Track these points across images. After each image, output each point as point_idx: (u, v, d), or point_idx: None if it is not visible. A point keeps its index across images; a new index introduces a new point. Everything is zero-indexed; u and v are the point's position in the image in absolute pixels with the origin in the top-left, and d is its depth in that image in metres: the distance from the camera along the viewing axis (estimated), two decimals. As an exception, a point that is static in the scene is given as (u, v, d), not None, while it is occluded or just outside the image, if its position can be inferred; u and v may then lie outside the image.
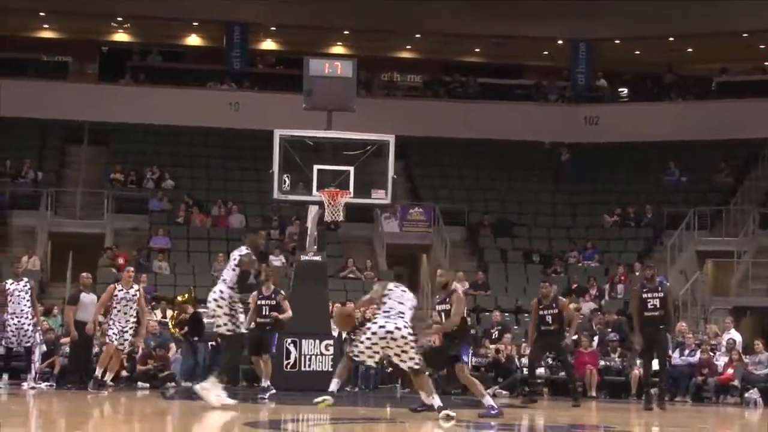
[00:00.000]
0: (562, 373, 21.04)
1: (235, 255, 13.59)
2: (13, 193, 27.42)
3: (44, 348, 18.57)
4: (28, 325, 17.26)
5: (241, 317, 13.53)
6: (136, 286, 17.25)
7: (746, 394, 19.43)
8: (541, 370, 19.39)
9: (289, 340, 17.97)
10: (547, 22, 32.15)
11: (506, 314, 23.77)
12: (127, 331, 16.90)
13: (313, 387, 17.02)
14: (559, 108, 32.97)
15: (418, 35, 34.44)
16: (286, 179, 18.12)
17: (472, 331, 20.56)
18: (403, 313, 12.96)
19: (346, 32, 34.07)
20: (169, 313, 19.89)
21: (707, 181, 29.98)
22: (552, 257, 27.31)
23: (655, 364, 16.68)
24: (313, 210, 18.84)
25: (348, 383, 18.70)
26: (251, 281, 13.79)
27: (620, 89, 34.67)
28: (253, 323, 16.20)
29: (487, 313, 23.73)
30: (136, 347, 18.97)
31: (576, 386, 17.69)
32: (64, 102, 30.06)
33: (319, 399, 12.62)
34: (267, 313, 16.29)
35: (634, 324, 16.52)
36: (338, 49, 34.74)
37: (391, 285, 13.29)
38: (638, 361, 19.86)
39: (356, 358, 12.96)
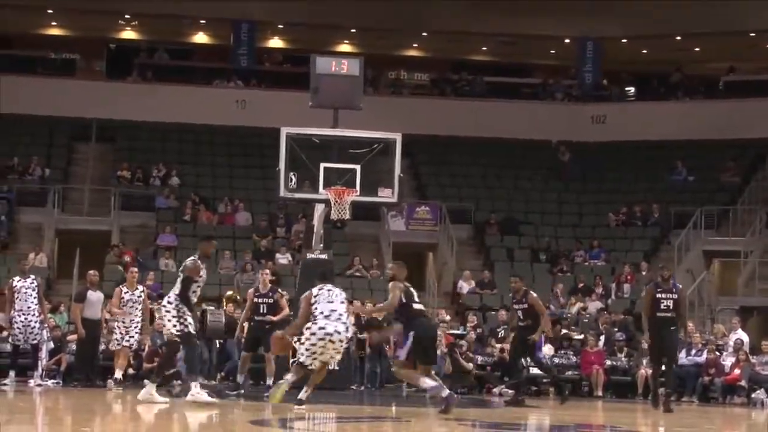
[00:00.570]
0: (569, 372, 21.09)
1: (186, 261, 13.87)
2: (21, 190, 27.45)
3: (51, 345, 18.61)
4: (35, 322, 17.29)
5: (189, 318, 13.60)
6: (140, 287, 17.36)
7: (753, 395, 19.43)
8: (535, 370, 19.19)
9: (295, 339, 17.93)
10: (554, 21, 32.11)
11: (512, 313, 23.70)
12: (132, 329, 16.97)
13: (319, 385, 17.08)
14: (565, 107, 32.92)
15: (425, 33, 34.42)
16: (293, 177, 18.11)
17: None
18: (341, 315, 13.19)
19: (353, 30, 34.06)
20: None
21: (714, 181, 29.92)
22: (558, 256, 27.28)
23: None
24: (319, 208, 18.83)
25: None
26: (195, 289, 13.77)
27: (627, 88, 34.62)
28: (247, 322, 16.29)
29: (493, 312, 23.71)
30: (143, 345, 19.00)
31: (555, 379, 17.66)
32: (72, 99, 30.08)
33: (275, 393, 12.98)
34: (264, 311, 16.28)
35: (642, 322, 16.43)
36: (345, 47, 34.73)
37: (315, 290, 13.42)
38: (645, 361, 19.86)
39: (303, 364, 13.18)
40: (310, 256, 18.83)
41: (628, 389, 20.73)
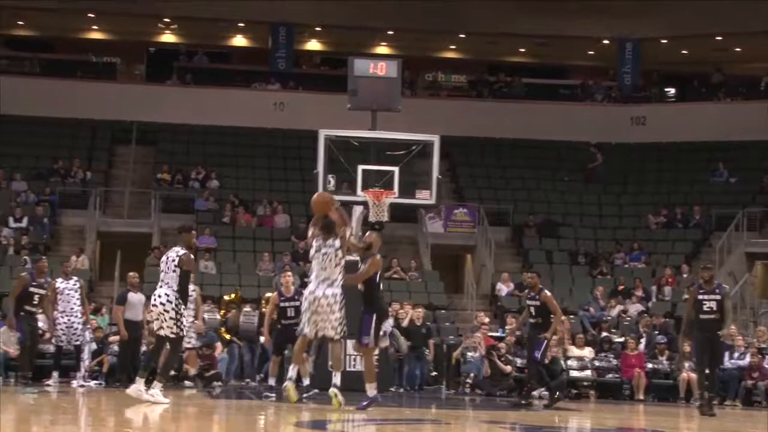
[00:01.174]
0: (610, 376, 20.99)
1: (173, 256, 13.35)
2: (63, 193, 27.71)
3: (94, 346, 18.76)
4: (78, 323, 17.44)
5: (185, 321, 13.53)
6: (192, 287, 17.28)
7: (796, 398, 19.23)
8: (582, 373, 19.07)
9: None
10: (593, 22, 31.99)
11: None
12: (190, 330, 17.00)
13: (359, 387, 17.08)
14: (604, 108, 32.78)
15: (462, 35, 34.40)
16: (331, 179, 18.11)
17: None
18: (328, 279, 13.04)
19: (390, 32, 34.10)
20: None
21: (756, 182, 29.67)
22: (598, 258, 27.15)
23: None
24: (357, 210, 18.84)
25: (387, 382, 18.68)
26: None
27: (667, 89, 34.41)
28: (273, 325, 16.29)
29: (532, 315, 23.59)
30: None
31: (532, 385, 16.93)
32: (113, 102, 30.36)
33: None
34: (293, 314, 16.15)
35: (683, 324, 16.10)
36: (383, 49, 34.77)
37: (314, 247, 13.27)
38: (686, 364, 19.71)
39: (301, 333, 13.21)
40: (348, 258, 18.80)
41: (670, 393, 20.60)
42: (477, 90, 34.16)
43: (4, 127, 29.72)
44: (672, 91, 34.56)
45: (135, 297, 17.88)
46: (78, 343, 17.52)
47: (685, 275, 25.49)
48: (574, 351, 21.41)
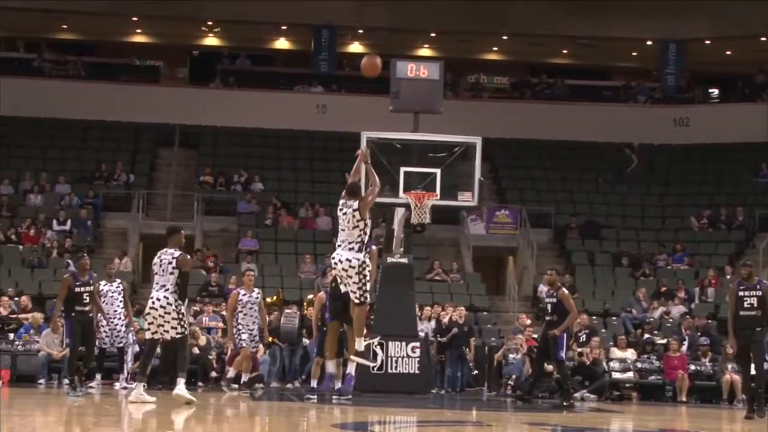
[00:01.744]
0: (652, 377, 20.87)
1: (167, 258, 13.37)
2: (106, 196, 27.95)
3: (137, 348, 18.88)
4: (121, 325, 17.56)
5: (185, 319, 13.53)
6: (256, 290, 17.30)
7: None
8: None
9: (375, 342, 18.01)
10: (635, 23, 31.80)
11: (594, 317, 23.57)
12: (255, 334, 17.01)
13: (400, 389, 17.12)
14: (648, 109, 32.59)
15: (504, 37, 34.30)
16: (374, 182, 18.12)
17: None
18: (346, 241, 12.84)
19: (432, 34, 34.08)
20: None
21: (800, 183, 29.41)
22: (641, 260, 26.99)
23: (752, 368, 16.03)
24: (399, 212, 18.87)
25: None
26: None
27: (710, 90, 34.15)
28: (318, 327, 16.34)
29: (574, 316, 23.48)
30: (225, 348, 19.21)
31: (568, 386, 17.08)
32: (156, 105, 30.55)
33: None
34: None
35: (728, 324, 15.69)
36: (425, 51, 34.76)
37: (340, 203, 13.11)
38: (730, 366, 19.54)
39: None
40: (390, 260, 18.87)
41: (713, 394, 20.46)
42: (519, 91, 34.08)
43: (49, 131, 30.06)
44: (715, 92, 34.29)
45: (178, 299, 17.95)
46: (121, 345, 17.65)
47: (728, 276, 25.28)
48: (616, 353, 21.32)
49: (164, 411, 12.84)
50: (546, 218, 28.80)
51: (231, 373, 17.32)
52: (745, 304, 14.87)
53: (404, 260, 18.80)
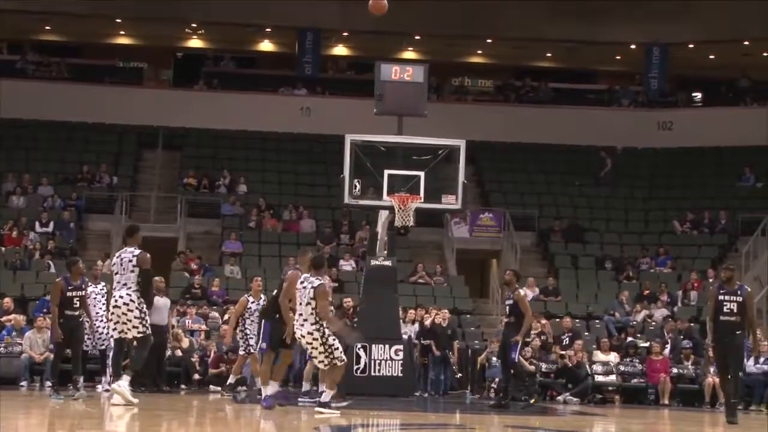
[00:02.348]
0: (635, 380, 20.91)
1: (128, 256, 13.37)
2: (89, 198, 27.87)
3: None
4: (104, 327, 17.48)
5: (148, 318, 13.50)
6: (263, 297, 17.22)
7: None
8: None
9: (359, 345, 18.02)
10: (619, 27, 31.89)
11: (577, 321, 23.63)
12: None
13: (384, 392, 17.12)
14: (631, 113, 32.70)
15: (489, 40, 34.34)
16: (357, 184, 18.18)
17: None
18: (305, 317, 13.01)
19: (417, 37, 34.09)
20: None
21: (783, 187, 29.52)
22: (624, 263, 27.06)
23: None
24: (383, 215, 18.88)
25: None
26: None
27: (694, 94, 34.28)
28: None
29: (557, 320, 23.59)
30: (208, 351, 19.18)
31: (506, 387, 16.64)
32: (139, 107, 30.49)
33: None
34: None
35: (707, 328, 15.36)
36: (409, 54, 34.77)
37: (302, 276, 13.29)
38: (712, 369, 19.60)
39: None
40: (374, 262, 18.89)
41: (695, 397, 20.51)
42: (503, 95, 34.13)
43: (32, 132, 29.95)
44: (699, 96, 34.42)
45: (160, 301, 17.93)
46: (103, 347, 17.57)
47: (711, 280, 25.35)
48: (599, 356, 21.37)
49: (147, 413, 12.80)
50: (529, 221, 28.85)
51: (231, 379, 17.20)
52: (725, 309, 14.40)
53: (388, 263, 18.82)
